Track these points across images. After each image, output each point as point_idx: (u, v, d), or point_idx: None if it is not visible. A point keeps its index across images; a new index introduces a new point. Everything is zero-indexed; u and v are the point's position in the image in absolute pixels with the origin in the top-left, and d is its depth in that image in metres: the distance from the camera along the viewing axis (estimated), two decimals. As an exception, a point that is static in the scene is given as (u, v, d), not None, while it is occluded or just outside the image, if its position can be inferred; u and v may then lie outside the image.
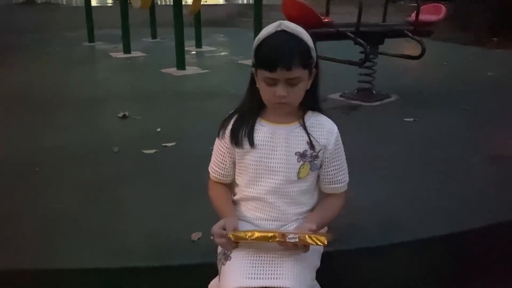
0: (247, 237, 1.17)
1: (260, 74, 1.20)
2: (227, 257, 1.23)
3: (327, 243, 1.14)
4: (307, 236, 1.14)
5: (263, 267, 1.19)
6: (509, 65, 5.50)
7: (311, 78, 1.25)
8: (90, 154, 2.45)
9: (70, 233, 1.68)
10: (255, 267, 1.19)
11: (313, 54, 1.23)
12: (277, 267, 1.19)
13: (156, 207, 1.87)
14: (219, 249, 1.34)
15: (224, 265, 1.23)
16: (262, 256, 1.22)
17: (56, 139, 2.67)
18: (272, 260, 1.22)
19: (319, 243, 1.13)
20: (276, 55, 1.16)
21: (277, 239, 1.15)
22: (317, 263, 1.32)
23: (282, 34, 1.18)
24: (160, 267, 1.52)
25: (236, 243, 1.22)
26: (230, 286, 1.15)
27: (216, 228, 1.22)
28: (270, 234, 1.16)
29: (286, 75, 1.16)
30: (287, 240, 1.14)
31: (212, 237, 1.23)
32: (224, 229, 1.21)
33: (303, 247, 1.17)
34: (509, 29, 7.28)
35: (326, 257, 1.37)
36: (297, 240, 1.13)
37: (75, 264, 1.52)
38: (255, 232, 1.17)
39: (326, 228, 1.39)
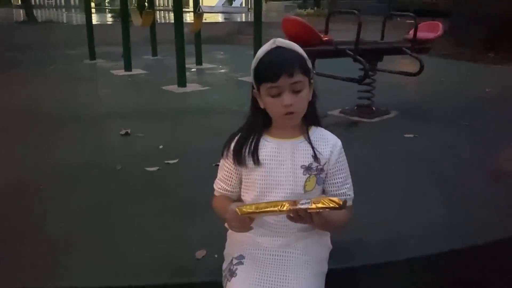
0: (255, 208, 1.14)
1: (264, 89, 1.23)
2: (232, 274, 1.24)
3: (343, 204, 1.08)
4: (320, 199, 1.10)
5: (269, 285, 1.20)
6: (506, 81, 5.55)
7: (311, 89, 1.29)
8: (93, 172, 2.46)
9: (74, 252, 1.68)
10: (261, 285, 1.20)
11: (309, 64, 1.27)
12: (283, 285, 1.20)
13: (159, 225, 1.88)
14: (224, 265, 1.34)
15: (229, 281, 1.23)
16: (268, 273, 1.23)
17: (59, 157, 2.69)
18: (279, 277, 1.22)
19: (333, 205, 1.07)
20: (277, 64, 1.21)
21: (288, 206, 1.10)
22: (324, 269, 1.33)
23: (278, 49, 1.25)
24: (165, 285, 1.52)
25: (250, 222, 1.18)
26: None
27: (228, 215, 1.21)
28: (280, 203, 1.12)
29: (289, 81, 1.21)
30: (299, 206, 1.09)
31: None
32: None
33: (316, 216, 1.13)
34: (504, 45, 7.37)
35: (331, 274, 1.37)
36: (310, 205, 1.09)
37: (79, 283, 1.52)
38: (266, 204, 1.13)
39: (330, 246, 1.40)
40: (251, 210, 1.14)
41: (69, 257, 1.64)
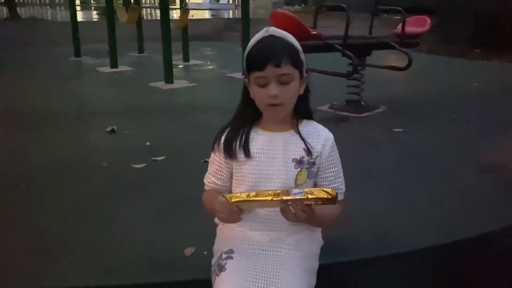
0: (247, 196, 1.11)
1: (252, 77, 1.21)
2: (221, 268, 1.21)
3: (336, 196, 1.07)
4: (313, 190, 1.08)
5: (259, 280, 1.17)
6: (492, 76, 5.61)
7: (303, 83, 1.26)
8: (78, 170, 2.40)
9: (58, 251, 1.63)
10: (250, 280, 1.17)
11: (302, 57, 1.25)
12: (273, 280, 1.17)
13: (147, 222, 1.84)
14: (213, 260, 1.32)
15: (218, 276, 1.20)
16: (258, 268, 1.20)
17: (43, 155, 2.62)
18: (268, 274, 1.20)
19: (326, 195, 1.06)
20: (264, 53, 1.19)
21: (280, 196, 1.08)
22: (315, 265, 1.31)
23: (270, 38, 1.22)
24: (153, 284, 1.48)
25: (239, 213, 1.15)
26: None
27: (218, 205, 1.18)
28: (272, 192, 1.09)
29: (276, 71, 1.18)
30: (292, 197, 1.07)
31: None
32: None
33: (308, 208, 1.11)
34: (489, 41, 7.45)
35: (322, 270, 1.35)
36: (302, 195, 1.07)
37: (64, 283, 1.47)
38: (257, 193, 1.10)
39: (321, 241, 1.38)
40: (242, 198, 1.11)
41: (54, 256, 1.59)
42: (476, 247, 1.78)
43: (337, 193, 1.09)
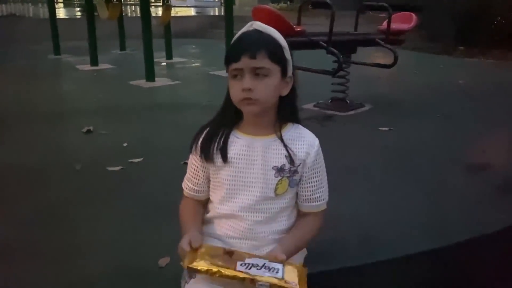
0: (207, 272, 1.02)
1: (229, 70, 1.14)
2: (191, 275, 1.10)
3: (302, 283, 1.03)
4: (278, 286, 1.01)
5: None
6: (477, 73, 5.62)
7: (286, 84, 1.18)
8: (48, 173, 2.28)
9: (24, 261, 1.52)
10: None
11: (287, 54, 1.17)
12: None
13: (120, 230, 1.73)
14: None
15: (187, 282, 1.10)
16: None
17: (12, 156, 2.49)
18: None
19: None
20: (241, 44, 1.14)
21: (246, 283, 1.02)
22: None
23: (253, 31, 1.16)
24: (123, 298, 1.38)
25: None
26: None
27: (184, 245, 1.09)
28: (237, 276, 1.02)
29: (251, 63, 1.10)
30: (258, 287, 1.01)
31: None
32: (191, 246, 1.08)
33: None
34: (473, 38, 7.48)
35: (308, 279, 1.26)
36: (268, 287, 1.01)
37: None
38: (220, 269, 1.03)
39: (305, 251, 1.29)
40: (203, 270, 1.02)
41: (18, 268, 1.48)
42: (466, 251, 1.72)
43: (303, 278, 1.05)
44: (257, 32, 1.15)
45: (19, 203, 1.94)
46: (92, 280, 1.43)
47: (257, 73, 1.11)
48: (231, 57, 1.13)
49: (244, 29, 1.17)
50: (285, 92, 1.18)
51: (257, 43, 1.12)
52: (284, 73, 1.16)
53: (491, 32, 7.49)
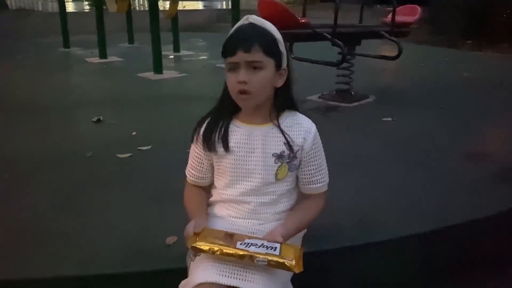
0: (209, 250, 1.10)
1: (226, 64, 1.20)
2: (196, 254, 1.18)
3: (298, 266, 1.09)
4: (275, 261, 1.08)
5: (235, 266, 1.14)
6: (483, 66, 5.61)
7: (281, 76, 1.23)
8: (61, 160, 2.36)
9: (41, 241, 1.59)
10: (226, 265, 1.14)
11: (281, 47, 1.21)
12: (249, 268, 1.14)
13: (129, 212, 1.81)
14: None
15: (193, 260, 1.17)
16: None
17: (26, 145, 2.57)
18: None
19: (287, 265, 1.08)
20: (236, 39, 1.18)
21: (245, 259, 1.09)
22: None
23: (249, 25, 1.21)
24: (134, 273, 1.46)
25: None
26: (200, 279, 1.09)
27: (189, 229, 1.17)
28: (237, 253, 1.09)
29: (246, 57, 1.16)
30: (256, 262, 1.08)
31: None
32: (195, 232, 1.16)
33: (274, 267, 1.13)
34: (482, 32, 7.45)
35: (305, 258, 1.33)
36: (266, 263, 1.08)
37: (47, 273, 1.44)
38: (221, 248, 1.10)
39: (304, 231, 1.36)
40: (205, 249, 1.11)
41: (36, 247, 1.56)
42: (462, 235, 1.77)
43: (295, 265, 1.09)
44: (252, 26, 1.20)
45: (35, 188, 2.02)
46: (105, 256, 1.50)
47: (252, 66, 1.16)
48: (227, 51, 1.18)
49: (240, 23, 1.22)
50: (280, 83, 1.23)
51: (252, 38, 1.16)
52: (278, 65, 1.21)
53: (498, 25, 7.45)
